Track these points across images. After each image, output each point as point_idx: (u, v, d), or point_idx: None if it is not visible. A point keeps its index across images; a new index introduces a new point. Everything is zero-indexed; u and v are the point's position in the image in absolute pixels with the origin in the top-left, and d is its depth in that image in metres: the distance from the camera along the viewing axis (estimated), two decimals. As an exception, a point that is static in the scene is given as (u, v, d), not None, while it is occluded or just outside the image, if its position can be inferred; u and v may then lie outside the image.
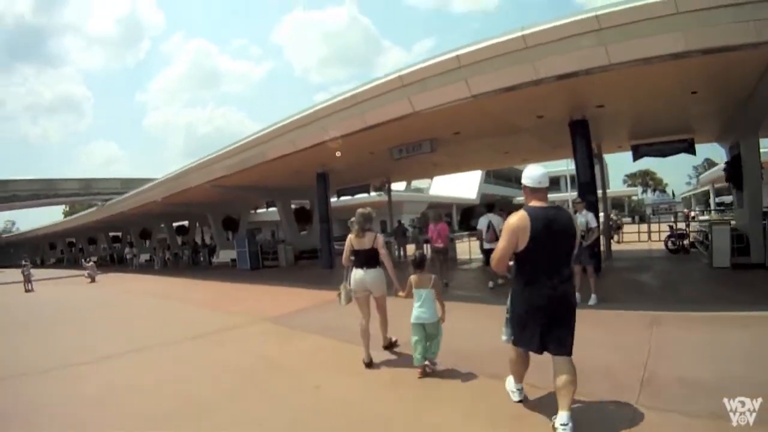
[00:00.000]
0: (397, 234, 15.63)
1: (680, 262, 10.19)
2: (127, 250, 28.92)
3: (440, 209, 19.20)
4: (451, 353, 4.05)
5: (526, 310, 2.78)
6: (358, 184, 16.70)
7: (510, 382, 3.22)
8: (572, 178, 32.18)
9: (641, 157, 11.05)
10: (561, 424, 2.56)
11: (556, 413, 2.64)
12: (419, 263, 3.92)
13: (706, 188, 35.16)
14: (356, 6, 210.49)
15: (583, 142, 8.83)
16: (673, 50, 5.59)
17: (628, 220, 27.58)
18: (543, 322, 2.70)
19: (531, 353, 2.92)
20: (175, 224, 30.31)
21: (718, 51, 5.50)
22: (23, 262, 17.41)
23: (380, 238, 4.23)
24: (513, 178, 45.92)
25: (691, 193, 45.79)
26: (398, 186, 30.33)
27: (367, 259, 4.20)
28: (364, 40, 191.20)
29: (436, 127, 9.54)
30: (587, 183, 8.77)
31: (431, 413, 3.14)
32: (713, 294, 6.50)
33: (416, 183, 39.96)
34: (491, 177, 41.95)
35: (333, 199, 17.23)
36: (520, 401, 3.12)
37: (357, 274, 4.21)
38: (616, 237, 15.76)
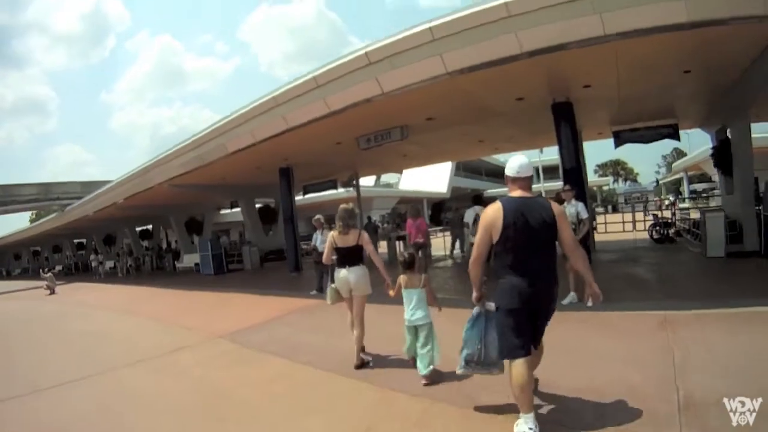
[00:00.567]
0: (367, 231, 14.66)
1: (669, 253, 9.73)
2: (92, 257, 26.68)
3: (412, 204, 18.45)
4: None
5: (515, 309, 2.50)
6: (325, 179, 15.49)
7: (523, 422, 2.43)
8: (544, 168, 32.41)
9: (623, 143, 10.44)
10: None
11: None
12: (409, 263, 3.70)
13: (678, 176, 35.84)
14: (323, 0, 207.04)
15: (568, 125, 8.16)
16: (673, 21, 5.00)
17: (601, 210, 27.52)
18: (532, 317, 2.56)
19: None
20: (138, 228, 28.64)
21: (722, 23, 4.94)
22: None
23: (365, 235, 4.10)
24: (483, 171, 45.76)
25: (663, 181, 46.96)
26: (367, 181, 29.45)
27: (351, 257, 4.05)
28: (330, 35, 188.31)
29: (407, 113, 8.69)
30: (573, 169, 8.12)
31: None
32: (718, 287, 5.95)
33: (385, 178, 39.13)
34: (461, 170, 41.04)
35: (299, 197, 16.23)
36: None
37: (340, 273, 4.05)
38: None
